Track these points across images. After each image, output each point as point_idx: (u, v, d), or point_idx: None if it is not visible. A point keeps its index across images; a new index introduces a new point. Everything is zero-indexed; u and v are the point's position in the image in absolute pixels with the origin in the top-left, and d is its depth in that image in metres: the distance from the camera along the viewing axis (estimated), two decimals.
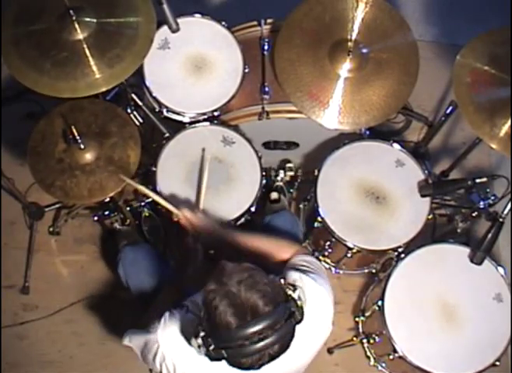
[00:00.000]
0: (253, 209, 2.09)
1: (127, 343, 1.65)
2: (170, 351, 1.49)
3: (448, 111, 2.30)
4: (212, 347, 1.31)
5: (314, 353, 1.57)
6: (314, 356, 1.59)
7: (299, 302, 1.34)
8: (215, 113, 2.17)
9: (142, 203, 2.43)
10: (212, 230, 1.82)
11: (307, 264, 1.60)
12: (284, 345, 1.33)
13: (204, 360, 1.42)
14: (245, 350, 1.28)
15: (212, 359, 1.32)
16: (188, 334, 1.43)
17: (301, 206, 2.43)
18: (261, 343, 1.27)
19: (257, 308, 1.28)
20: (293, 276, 1.53)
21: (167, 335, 1.50)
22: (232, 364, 1.33)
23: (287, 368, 1.52)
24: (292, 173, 2.45)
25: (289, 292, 1.35)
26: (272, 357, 1.32)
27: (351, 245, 2.08)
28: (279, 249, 1.73)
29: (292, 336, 1.34)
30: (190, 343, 1.36)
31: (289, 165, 2.45)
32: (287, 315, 1.31)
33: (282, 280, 1.39)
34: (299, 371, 1.61)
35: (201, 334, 1.33)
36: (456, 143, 2.78)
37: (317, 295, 1.52)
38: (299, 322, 1.34)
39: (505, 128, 1.89)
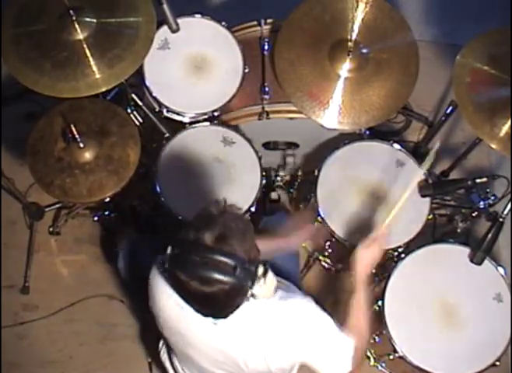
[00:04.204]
0: (253, 209, 2.09)
1: None
2: (151, 283, 1.51)
3: (448, 111, 2.30)
4: (166, 251, 1.31)
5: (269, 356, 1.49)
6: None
7: (258, 278, 1.31)
8: (215, 113, 2.17)
9: (142, 203, 2.43)
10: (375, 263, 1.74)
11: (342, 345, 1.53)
12: (223, 293, 1.28)
13: (171, 307, 1.45)
14: (190, 268, 1.27)
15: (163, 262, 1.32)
16: None
17: (301, 206, 2.43)
18: (204, 270, 1.26)
19: (227, 243, 1.28)
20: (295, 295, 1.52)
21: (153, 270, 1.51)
22: (170, 276, 1.33)
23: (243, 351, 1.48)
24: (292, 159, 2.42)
25: (260, 269, 1.33)
26: (203, 297, 1.29)
27: None
28: (354, 329, 1.61)
29: (236, 296, 1.32)
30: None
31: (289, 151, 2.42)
32: (241, 269, 1.28)
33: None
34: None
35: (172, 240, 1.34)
36: (456, 143, 2.78)
37: (303, 314, 1.48)
38: (250, 287, 1.31)
39: (505, 128, 1.89)
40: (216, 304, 1.33)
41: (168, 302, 1.47)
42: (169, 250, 1.32)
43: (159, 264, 1.37)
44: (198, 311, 1.37)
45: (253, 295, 1.33)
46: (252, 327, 1.44)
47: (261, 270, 1.33)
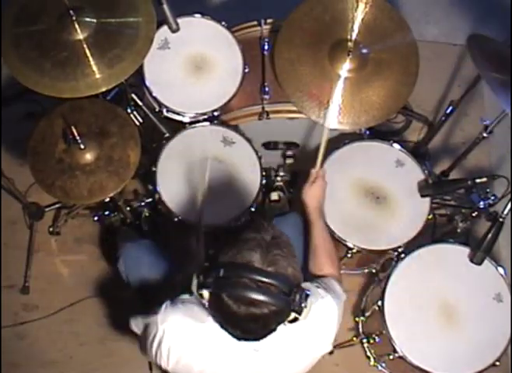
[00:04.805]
0: (253, 209, 2.09)
1: (133, 328, 1.62)
2: (168, 336, 1.47)
3: (448, 111, 2.30)
4: (209, 277, 1.28)
5: (306, 366, 1.56)
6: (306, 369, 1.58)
7: (303, 304, 1.31)
8: (215, 113, 2.17)
9: (142, 203, 2.43)
10: (321, 201, 1.85)
11: (333, 287, 1.64)
12: (272, 316, 1.28)
13: (202, 347, 1.44)
14: (238, 290, 1.25)
15: (204, 287, 1.29)
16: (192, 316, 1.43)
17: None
18: (256, 293, 1.25)
19: (272, 264, 1.28)
20: (317, 289, 1.56)
21: (167, 321, 1.47)
22: (216, 303, 1.30)
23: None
24: (292, 161, 2.43)
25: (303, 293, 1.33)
26: (253, 318, 1.27)
27: (351, 245, 2.08)
28: (326, 261, 1.74)
29: (281, 318, 1.32)
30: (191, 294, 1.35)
31: (289, 152, 2.43)
32: (287, 291, 1.29)
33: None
34: None
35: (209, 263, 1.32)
36: (456, 143, 2.78)
37: (328, 312, 1.54)
38: (294, 312, 1.31)
39: None
40: (261, 325, 1.31)
41: (202, 346, 1.46)
42: (221, 272, 1.28)
43: (198, 287, 1.32)
44: (236, 335, 1.35)
45: (295, 319, 1.32)
46: (291, 346, 1.47)
47: (304, 293, 1.32)
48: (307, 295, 1.33)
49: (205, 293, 1.30)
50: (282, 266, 1.29)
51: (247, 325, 1.31)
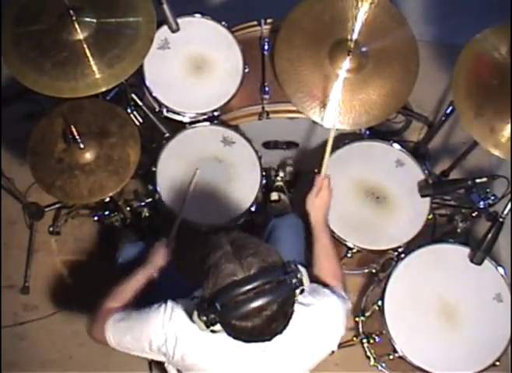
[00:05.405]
0: (253, 209, 2.09)
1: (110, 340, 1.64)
2: (173, 334, 1.48)
3: (448, 111, 2.30)
4: (210, 314, 1.28)
5: (311, 365, 1.57)
6: (311, 368, 1.58)
7: (299, 274, 1.32)
8: (215, 113, 2.17)
9: (142, 203, 2.43)
10: (326, 213, 1.83)
11: (339, 291, 1.65)
12: (284, 305, 1.30)
13: (208, 342, 1.44)
14: (241, 309, 1.26)
15: (212, 324, 1.30)
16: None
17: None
18: (257, 300, 1.26)
19: (250, 266, 1.28)
20: (323, 289, 1.58)
21: (172, 319, 1.48)
22: (232, 330, 1.31)
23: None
24: (291, 168, 2.43)
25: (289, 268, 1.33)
26: (271, 320, 1.29)
27: (351, 245, 2.08)
28: (330, 279, 1.72)
29: (292, 301, 1.33)
30: (192, 320, 1.35)
31: (289, 161, 2.44)
32: (281, 277, 1.30)
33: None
34: None
35: (200, 303, 1.32)
36: (456, 143, 2.78)
37: (334, 311, 1.55)
38: (298, 287, 1.32)
39: (492, 122, 1.88)
40: (282, 318, 1.32)
41: (213, 353, 1.47)
42: (217, 305, 1.28)
43: (207, 327, 1.31)
44: (263, 340, 1.35)
45: (302, 290, 1.34)
46: (298, 345, 1.48)
47: (291, 265, 1.33)
48: (295, 264, 1.33)
49: (217, 328, 1.31)
50: (259, 262, 1.29)
51: (270, 328, 1.31)
